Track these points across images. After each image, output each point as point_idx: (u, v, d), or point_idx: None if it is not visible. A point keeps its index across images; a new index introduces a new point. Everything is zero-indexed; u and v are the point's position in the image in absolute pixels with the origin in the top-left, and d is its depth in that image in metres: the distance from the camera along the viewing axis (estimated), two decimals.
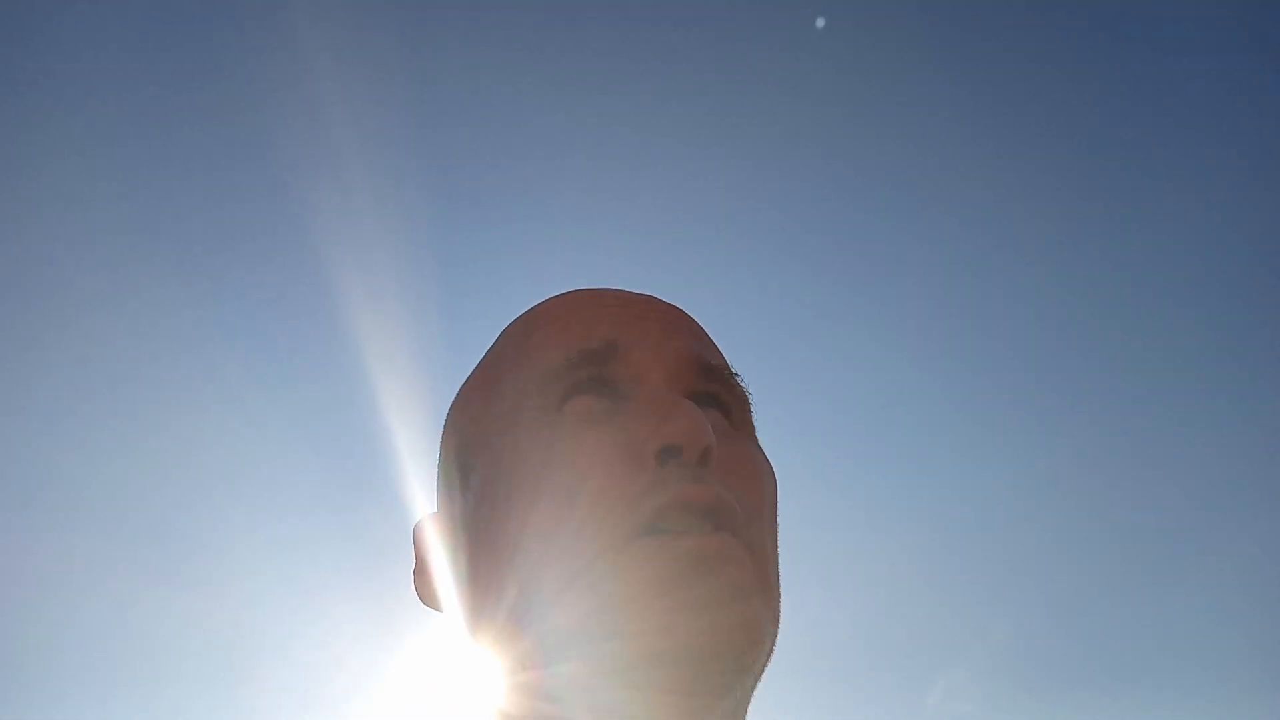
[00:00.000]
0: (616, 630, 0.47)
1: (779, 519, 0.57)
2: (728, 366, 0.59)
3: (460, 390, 0.64)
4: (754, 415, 0.60)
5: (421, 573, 0.61)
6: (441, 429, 0.64)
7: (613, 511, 0.49)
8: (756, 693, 0.54)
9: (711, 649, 0.47)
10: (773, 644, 0.52)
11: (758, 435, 0.60)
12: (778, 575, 0.54)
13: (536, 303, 0.62)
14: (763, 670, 0.53)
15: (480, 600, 0.55)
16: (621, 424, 0.52)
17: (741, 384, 0.59)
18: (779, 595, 0.53)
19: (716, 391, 0.57)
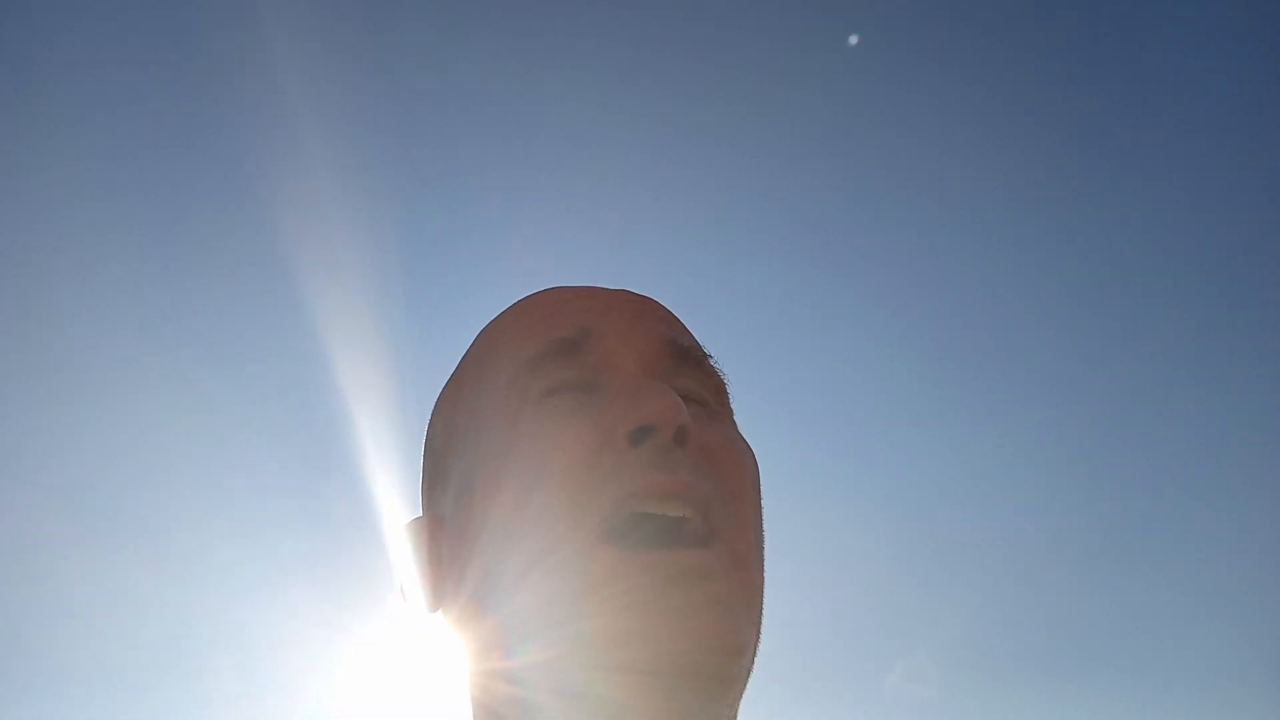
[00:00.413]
0: (578, 613, 0.47)
1: (761, 502, 0.55)
2: (700, 348, 0.58)
3: (441, 391, 0.63)
4: (732, 399, 0.59)
5: (408, 577, 0.59)
6: (424, 425, 0.64)
7: (580, 497, 0.48)
8: None
9: (684, 684, 0.46)
10: (753, 657, 0.51)
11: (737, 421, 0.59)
12: (760, 566, 0.53)
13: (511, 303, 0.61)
14: (747, 678, 0.51)
15: (444, 582, 0.55)
16: (596, 411, 0.51)
17: (717, 367, 0.58)
18: (761, 591, 0.52)
19: (693, 378, 0.56)
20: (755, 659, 0.51)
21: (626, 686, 0.46)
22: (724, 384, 0.58)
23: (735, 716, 0.52)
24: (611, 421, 0.50)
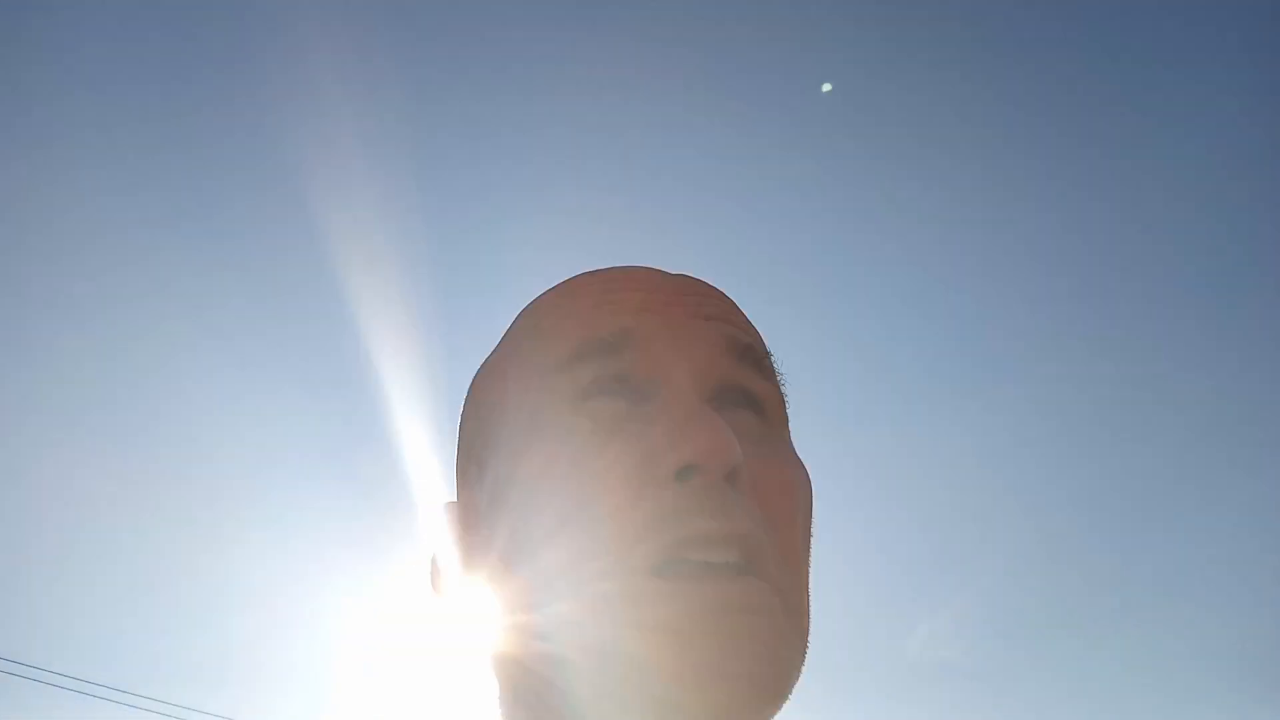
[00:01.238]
0: (605, 571, 0.46)
1: (811, 527, 0.53)
2: (762, 346, 0.54)
3: (476, 375, 0.61)
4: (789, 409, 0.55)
5: (440, 554, 0.58)
6: (454, 399, 0.62)
7: (625, 539, 0.46)
8: None
9: (732, 707, 0.45)
10: (794, 676, 0.49)
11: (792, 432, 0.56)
12: (808, 597, 0.51)
13: (557, 282, 0.57)
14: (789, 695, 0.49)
15: (474, 547, 0.55)
16: (639, 432, 0.48)
17: (777, 370, 0.54)
18: (809, 621, 0.51)
19: (749, 386, 0.52)
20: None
21: (655, 645, 0.45)
22: (782, 392, 0.55)
23: None
24: (658, 452, 0.47)
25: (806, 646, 0.50)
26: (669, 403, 0.49)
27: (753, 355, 0.53)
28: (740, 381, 0.52)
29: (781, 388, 0.55)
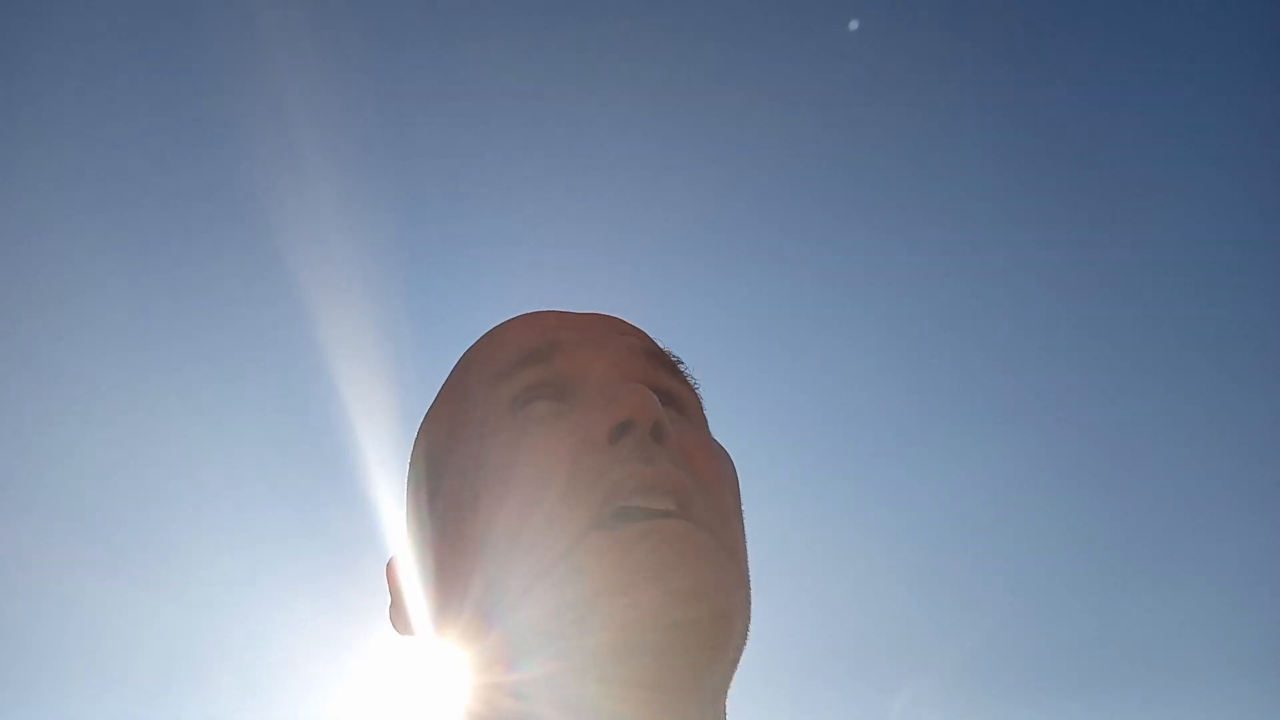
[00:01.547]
0: (581, 625, 0.47)
1: (741, 508, 0.57)
2: (671, 355, 0.60)
3: (429, 408, 0.65)
4: (705, 409, 0.61)
5: (397, 606, 0.61)
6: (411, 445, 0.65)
7: (567, 500, 0.49)
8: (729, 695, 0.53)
9: (677, 643, 0.47)
10: (745, 628, 0.51)
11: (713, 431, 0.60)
12: (745, 556, 0.54)
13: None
14: (737, 657, 0.52)
15: (447, 600, 0.55)
16: (574, 418, 0.53)
17: (689, 376, 0.60)
18: (747, 579, 0.53)
19: (665, 385, 0.58)
20: (741, 651, 0.52)
21: (630, 701, 0.47)
22: (697, 394, 0.60)
23: (723, 709, 0.53)
24: (590, 424, 0.51)
25: (749, 591, 0.52)
26: (596, 388, 0.54)
27: (665, 360, 0.59)
28: (656, 381, 0.57)
29: (696, 390, 0.60)
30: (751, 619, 0.52)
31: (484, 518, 0.52)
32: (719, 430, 0.62)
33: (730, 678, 0.53)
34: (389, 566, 0.62)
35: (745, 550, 0.55)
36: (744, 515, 0.56)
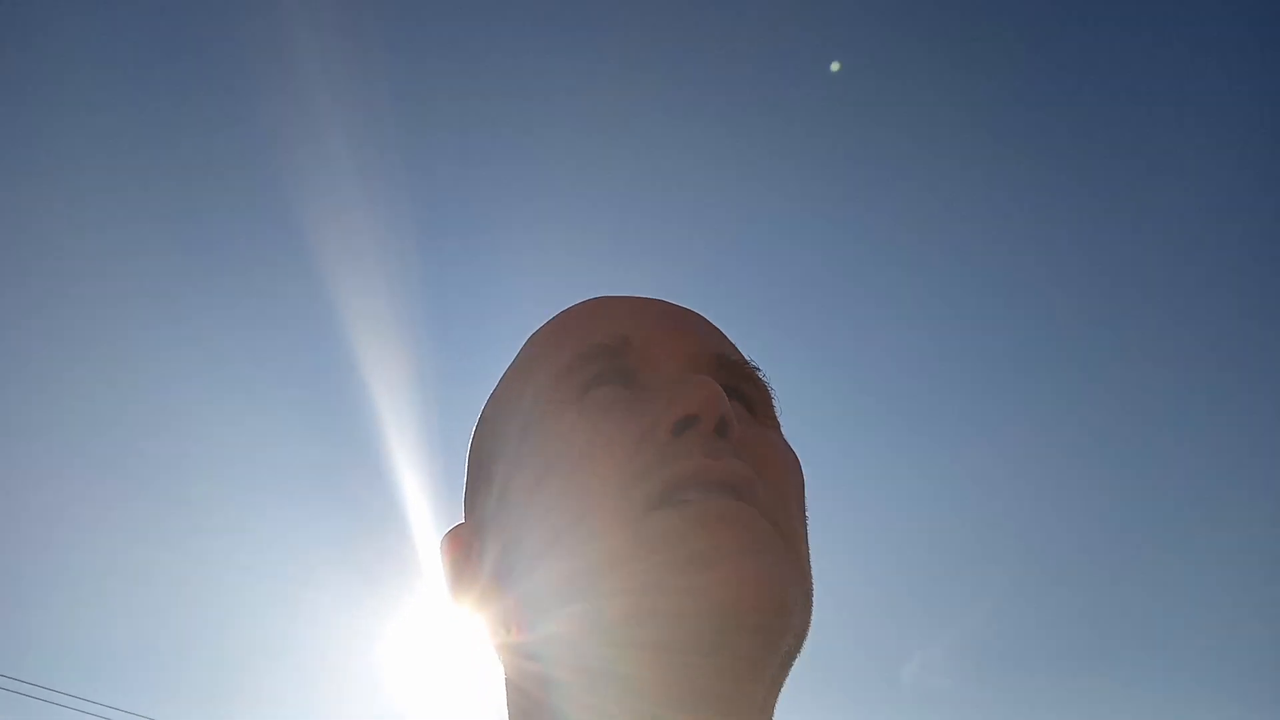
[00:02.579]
0: (603, 590, 0.47)
1: (806, 511, 0.55)
2: (746, 360, 0.58)
3: (485, 404, 0.64)
4: (778, 410, 0.59)
5: (456, 579, 0.60)
6: (449, 430, 0.65)
7: (626, 484, 0.48)
8: None
9: (730, 631, 0.45)
10: (803, 626, 0.49)
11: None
12: (807, 554, 0.52)
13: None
14: (792, 654, 0.49)
15: (507, 574, 0.54)
16: (639, 407, 0.52)
17: (763, 377, 0.58)
18: (809, 574, 0.51)
19: (736, 385, 0.56)
20: (798, 649, 0.50)
21: (648, 663, 0.46)
22: (771, 396, 0.58)
23: (772, 710, 0.50)
24: (655, 414, 0.50)
25: (810, 589, 0.51)
26: (666, 381, 0.53)
27: (738, 368, 0.57)
28: (726, 380, 0.56)
29: (769, 388, 0.59)
30: (811, 621, 0.50)
31: (533, 496, 0.52)
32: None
33: (783, 676, 0.51)
34: (444, 541, 0.62)
35: (807, 549, 0.53)
36: (806, 516, 0.55)
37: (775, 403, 0.59)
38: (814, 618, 0.51)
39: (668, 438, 0.49)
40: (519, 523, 0.52)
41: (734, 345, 0.60)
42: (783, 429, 0.60)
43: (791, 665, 0.50)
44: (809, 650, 0.51)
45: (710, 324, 0.60)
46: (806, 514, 0.55)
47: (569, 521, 0.49)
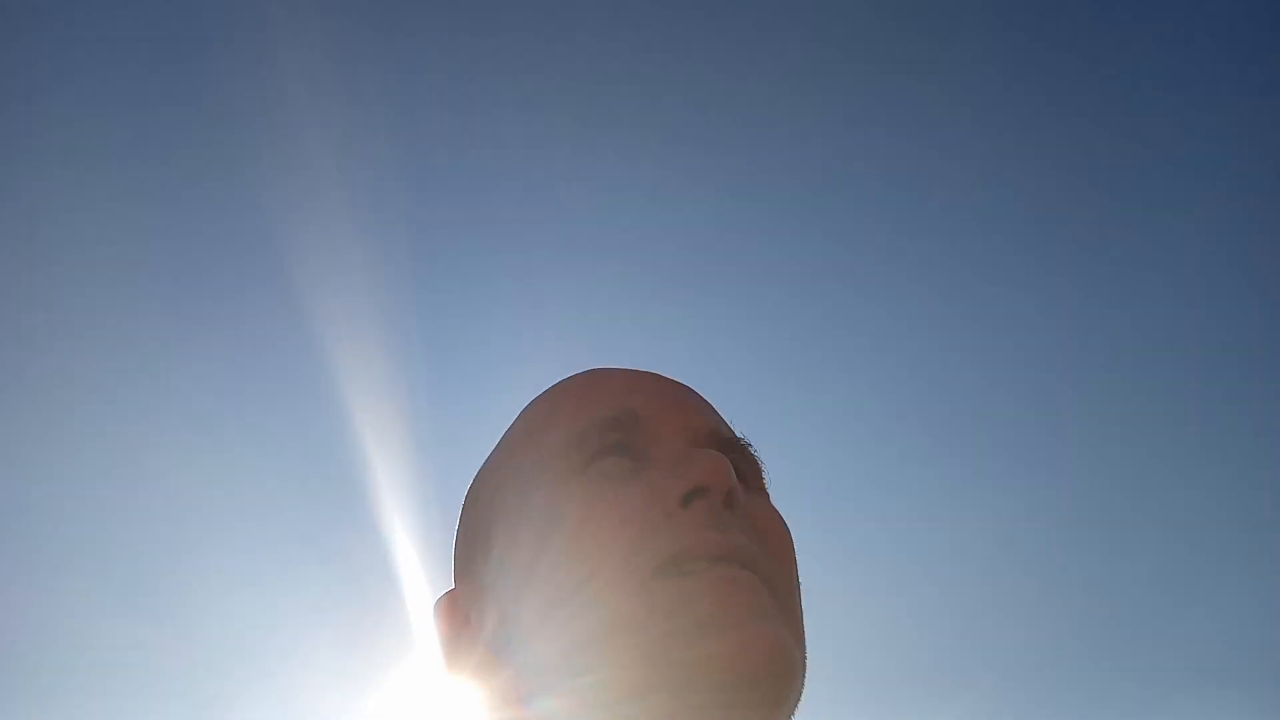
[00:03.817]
0: (602, 662, 0.48)
1: (799, 579, 0.57)
2: (739, 437, 0.60)
3: (481, 469, 0.64)
4: (768, 483, 0.61)
5: (448, 647, 0.60)
6: (443, 490, 0.65)
7: (635, 552, 0.49)
8: None
9: (745, 668, 0.46)
10: (799, 692, 0.51)
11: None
12: (802, 622, 0.54)
13: (549, 386, 0.63)
14: (792, 711, 0.51)
15: (505, 646, 0.54)
16: (646, 478, 0.53)
17: (754, 452, 0.60)
18: (804, 640, 0.53)
19: (734, 460, 0.57)
20: (793, 711, 0.51)
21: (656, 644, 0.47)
22: (761, 470, 0.60)
23: None
24: (664, 486, 0.51)
25: (805, 660, 0.52)
26: (672, 454, 0.54)
27: (732, 444, 0.59)
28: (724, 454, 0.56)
29: (759, 462, 0.61)
30: (804, 682, 0.52)
31: (536, 563, 0.52)
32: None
33: None
34: (438, 607, 0.61)
35: (801, 616, 0.55)
36: (801, 587, 0.56)
37: (765, 476, 0.61)
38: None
39: (676, 508, 0.50)
40: (519, 590, 0.52)
41: (725, 422, 0.62)
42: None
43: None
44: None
45: (703, 399, 0.62)
46: (799, 582, 0.56)
47: (572, 588, 0.49)
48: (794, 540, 0.58)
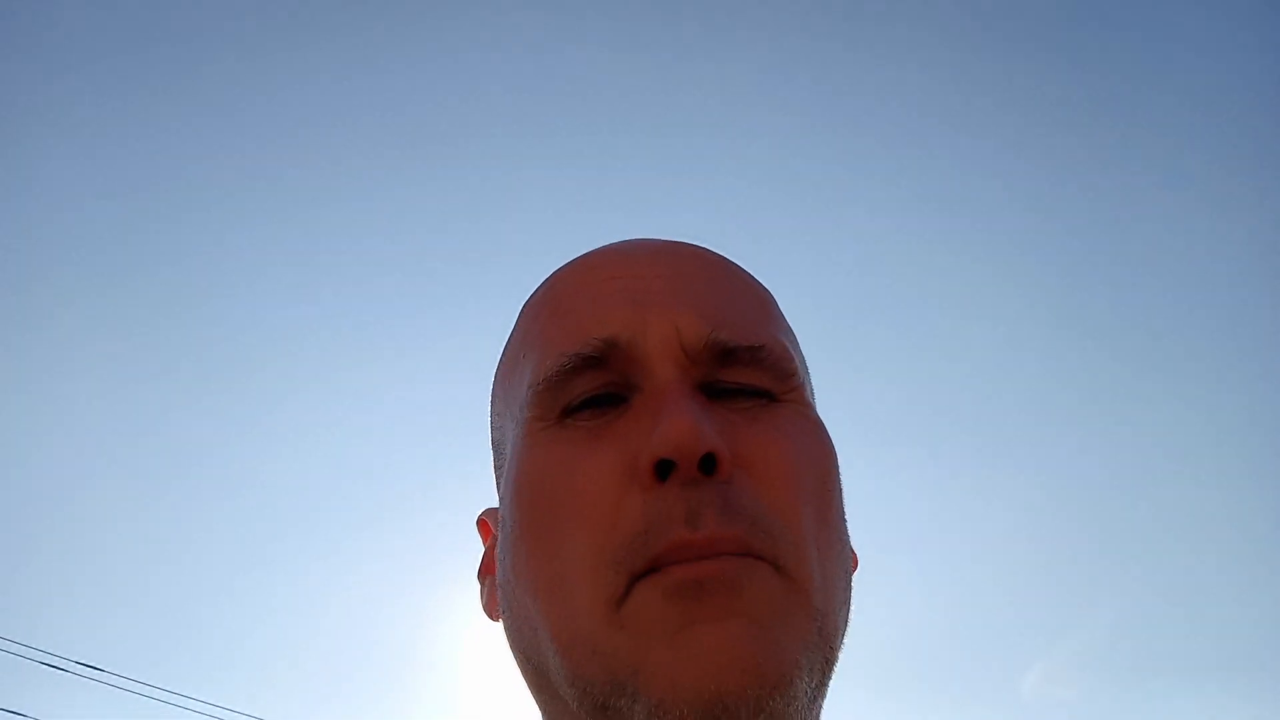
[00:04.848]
0: (586, 676, 0.46)
1: (832, 497, 0.50)
2: (750, 343, 0.50)
3: (496, 368, 0.60)
4: (803, 376, 0.53)
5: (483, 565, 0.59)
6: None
7: (598, 550, 0.46)
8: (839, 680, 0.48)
9: (714, 692, 0.42)
10: (825, 662, 0.46)
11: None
12: (833, 576, 0.48)
13: (558, 266, 0.58)
14: (817, 688, 0.46)
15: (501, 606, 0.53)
16: (621, 432, 0.48)
17: (780, 345, 0.52)
18: (832, 599, 0.47)
19: (741, 376, 0.50)
20: (823, 690, 0.47)
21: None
22: (792, 366, 0.51)
23: None
24: (635, 449, 0.47)
25: (830, 621, 0.47)
26: (650, 394, 0.48)
27: (738, 357, 0.50)
28: (732, 378, 0.50)
29: (789, 356, 0.52)
30: (842, 636, 0.48)
31: (525, 551, 0.49)
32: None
33: (821, 695, 0.48)
34: (479, 525, 0.61)
35: (836, 565, 0.48)
36: (831, 507, 0.50)
37: (798, 363, 0.52)
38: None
39: (650, 481, 0.45)
40: (506, 558, 0.51)
41: (741, 302, 0.53)
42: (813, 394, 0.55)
43: (829, 680, 0.47)
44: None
45: (714, 280, 0.53)
46: (834, 512, 0.50)
47: (546, 586, 0.47)
48: (826, 453, 0.50)
